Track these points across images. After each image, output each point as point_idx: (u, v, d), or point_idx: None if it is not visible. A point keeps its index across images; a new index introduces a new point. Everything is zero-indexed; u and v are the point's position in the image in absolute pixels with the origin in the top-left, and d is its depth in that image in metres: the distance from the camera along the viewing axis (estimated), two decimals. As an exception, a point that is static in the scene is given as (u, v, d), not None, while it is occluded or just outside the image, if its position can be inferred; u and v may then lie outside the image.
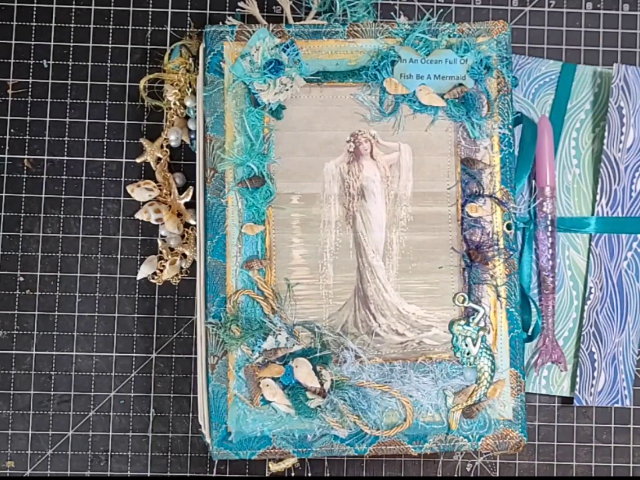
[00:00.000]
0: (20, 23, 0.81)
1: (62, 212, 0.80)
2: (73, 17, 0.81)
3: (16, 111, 0.81)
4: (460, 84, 0.75)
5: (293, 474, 0.80)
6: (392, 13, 0.82)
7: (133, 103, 0.81)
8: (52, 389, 0.80)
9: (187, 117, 0.80)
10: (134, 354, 0.80)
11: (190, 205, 0.80)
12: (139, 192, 0.79)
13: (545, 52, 0.83)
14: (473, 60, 0.75)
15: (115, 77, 0.81)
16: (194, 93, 0.79)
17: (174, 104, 0.80)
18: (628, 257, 0.81)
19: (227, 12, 0.82)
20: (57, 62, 0.81)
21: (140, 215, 0.79)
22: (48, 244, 0.80)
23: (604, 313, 0.80)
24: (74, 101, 0.81)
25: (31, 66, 0.81)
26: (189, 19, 0.82)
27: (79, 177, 0.81)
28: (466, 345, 0.74)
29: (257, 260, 0.74)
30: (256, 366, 0.73)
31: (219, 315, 0.74)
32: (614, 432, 0.81)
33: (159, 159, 0.80)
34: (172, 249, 0.80)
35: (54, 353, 0.80)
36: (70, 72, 0.81)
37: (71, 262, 0.80)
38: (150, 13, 0.82)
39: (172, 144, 0.80)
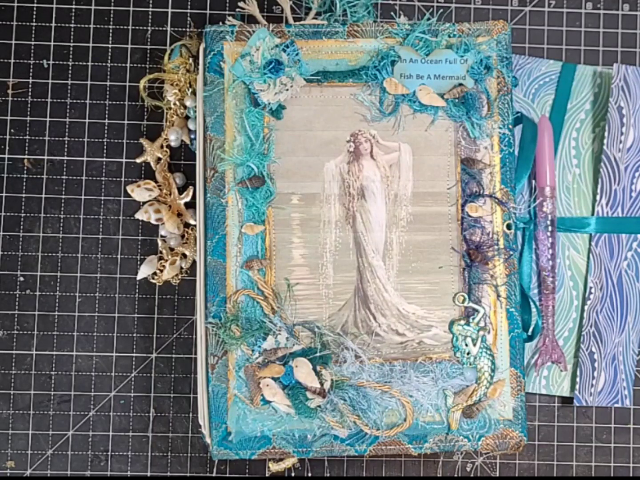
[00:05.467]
0: (20, 23, 0.81)
1: (62, 212, 0.80)
2: (73, 17, 0.81)
3: (16, 111, 0.81)
4: (460, 84, 0.75)
5: (293, 474, 0.80)
6: (392, 13, 0.82)
7: (133, 103, 0.81)
8: (52, 389, 0.80)
9: (187, 117, 0.80)
10: (134, 354, 0.80)
11: (190, 205, 0.80)
12: (139, 192, 0.79)
13: (545, 52, 0.83)
14: (473, 60, 0.75)
15: (115, 77, 0.81)
16: (194, 93, 0.79)
17: (174, 104, 0.80)
18: (628, 257, 0.81)
19: (227, 12, 0.82)
20: (57, 62, 0.81)
21: (140, 215, 0.79)
22: (48, 244, 0.80)
23: (604, 313, 0.80)
24: (74, 101, 0.81)
25: (31, 66, 0.81)
26: (189, 19, 0.82)
27: (79, 177, 0.81)
28: (466, 345, 0.74)
29: (257, 260, 0.74)
30: (256, 366, 0.73)
31: (219, 315, 0.74)
32: (614, 432, 0.81)
33: (159, 159, 0.80)
34: (172, 249, 0.80)
35: (54, 353, 0.80)
36: (70, 72, 0.81)
37: (71, 262, 0.80)
38: (150, 13, 0.82)
39: (172, 144, 0.80)
